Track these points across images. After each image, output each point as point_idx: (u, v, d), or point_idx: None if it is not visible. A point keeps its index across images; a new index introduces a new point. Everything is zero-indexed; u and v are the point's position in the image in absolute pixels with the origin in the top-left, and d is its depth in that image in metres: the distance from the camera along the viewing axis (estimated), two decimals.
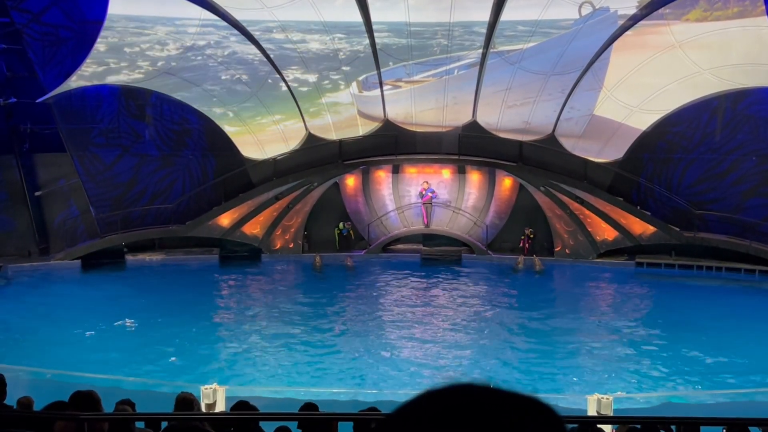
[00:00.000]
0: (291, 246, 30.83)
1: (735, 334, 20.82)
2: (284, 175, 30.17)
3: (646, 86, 27.92)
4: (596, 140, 29.75)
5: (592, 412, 11.73)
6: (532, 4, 26.55)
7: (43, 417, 7.08)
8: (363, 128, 31.04)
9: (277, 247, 30.74)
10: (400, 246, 31.45)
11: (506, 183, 31.15)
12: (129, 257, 29.56)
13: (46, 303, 24.21)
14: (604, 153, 29.84)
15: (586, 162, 29.66)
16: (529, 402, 1.22)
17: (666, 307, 24.15)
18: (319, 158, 30.48)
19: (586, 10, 26.66)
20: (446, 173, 31.85)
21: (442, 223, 31.57)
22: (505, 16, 26.88)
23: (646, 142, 29.17)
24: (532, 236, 30.22)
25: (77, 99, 28.41)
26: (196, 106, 29.81)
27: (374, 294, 25.76)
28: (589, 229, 29.53)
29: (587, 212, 29.36)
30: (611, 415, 11.48)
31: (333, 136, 30.81)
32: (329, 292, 25.75)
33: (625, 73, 27.89)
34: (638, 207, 29.23)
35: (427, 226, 31.38)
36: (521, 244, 30.46)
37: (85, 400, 7.05)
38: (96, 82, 28.41)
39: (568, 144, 29.98)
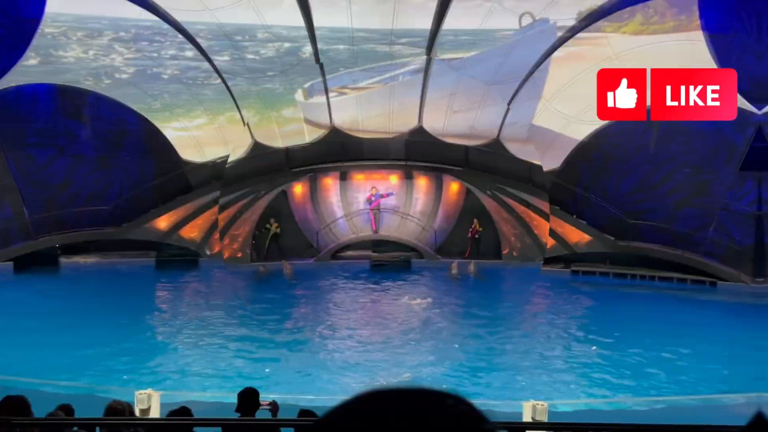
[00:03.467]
0: (239, 255, 30.38)
1: (668, 342, 21.22)
2: (230, 183, 29.90)
3: (583, 97, 28.34)
4: (537, 147, 30.16)
5: (527, 418, 11.87)
6: (474, 13, 26.79)
7: None
8: (309, 135, 30.96)
9: (226, 256, 30.11)
10: (349, 253, 31.34)
11: (453, 187, 31.38)
12: (63, 259, 28.99)
13: None
14: (543, 161, 30.27)
15: (530, 166, 30.06)
16: (447, 402, 1.23)
17: (600, 314, 24.53)
18: (266, 166, 30.32)
19: (526, 21, 27.01)
20: (394, 179, 31.96)
21: (391, 228, 31.62)
22: (447, 24, 27.06)
23: (582, 151, 29.66)
24: (480, 230, 30.42)
25: (12, 97, 27.78)
26: (134, 107, 29.39)
27: (321, 301, 25.68)
28: (536, 232, 29.93)
29: (533, 215, 29.75)
30: (546, 421, 11.63)
31: (279, 143, 30.67)
32: (274, 300, 25.58)
33: (563, 83, 28.34)
34: (574, 216, 29.70)
35: (376, 232, 31.38)
36: (469, 235, 30.65)
37: (16, 405, 6.91)
38: (31, 81, 27.86)
39: (513, 148, 30.33)
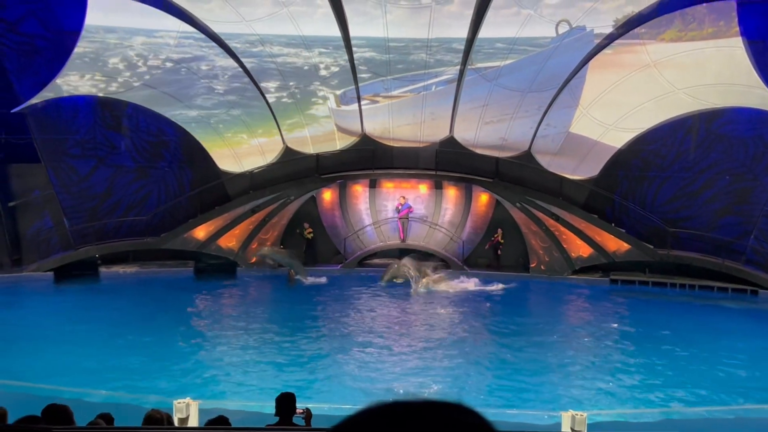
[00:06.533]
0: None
1: (710, 352, 20.95)
2: (261, 188, 30.17)
3: (621, 104, 28.22)
4: (572, 157, 30.00)
5: (566, 428, 11.76)
6: (510, 21, 26.78)
7: (13, 430, 6.99)
8: (340, 142, 31.11)
9: (253, 261, 30.63)
10: (376, 260, 31.43)
11: (483, 199, 31.26)
12: (102, 269, 29.31)
13: (17, 315, 23.92)
14: (580, 170, 30.09)
15: (561, 179, 29.89)
16: (454, 414, 1.22)
17: (640, 324, 24.22)
18: (296, 171, 30.54)
19: (563, 28, 26.93)
20: (423, 188, 31.93)
21: (419, 238, 31.62)
22: (483, 33, 27.09)
23: (621, 159, 29.45)
24: (502, 241, 30.34)
25: (53, 109, 28.23)
26: (172, 119, 29.73)
27: (349, 308, 25.65)
28: (564, 246, 29.70)
29: (562, 229, 29.53)
30: (585, 431, 11.52)
31: (310, 149, 30.85)
32: (303, 306, 25.64)
33: (601, 91, 28.18)
34: (613, 224, 29.45)
35: (404, 241, 31.40)
36: (487, 246, 30.60)
37: (58, 413, 6.99)
38: (72, 93, 28.28)
39: (543, 161, 30.23)
